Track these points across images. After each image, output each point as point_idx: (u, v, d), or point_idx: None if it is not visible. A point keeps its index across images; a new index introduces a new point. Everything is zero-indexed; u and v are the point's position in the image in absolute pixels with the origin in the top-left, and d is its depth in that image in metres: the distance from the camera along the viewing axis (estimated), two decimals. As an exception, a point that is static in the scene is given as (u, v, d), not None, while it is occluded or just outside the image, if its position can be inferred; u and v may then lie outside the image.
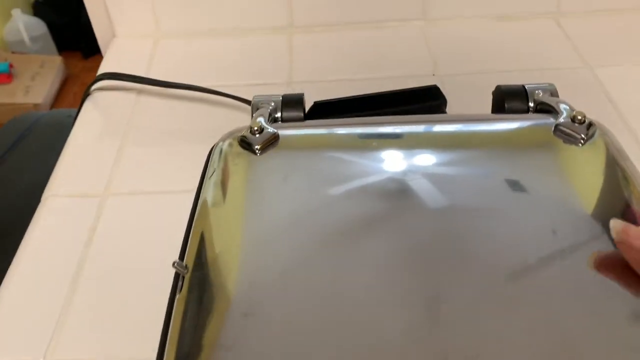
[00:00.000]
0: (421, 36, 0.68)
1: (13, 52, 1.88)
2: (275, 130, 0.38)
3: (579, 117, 0.37)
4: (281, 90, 0.62)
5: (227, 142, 0.40)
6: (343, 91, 0.62)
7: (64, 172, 0.54)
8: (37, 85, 1.77)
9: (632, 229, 0.29)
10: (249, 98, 0.61)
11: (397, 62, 0.65)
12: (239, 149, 0.38)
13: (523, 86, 0.42)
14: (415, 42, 0.67)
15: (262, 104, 0.44)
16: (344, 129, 0.40)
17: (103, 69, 0.67)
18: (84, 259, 0.46)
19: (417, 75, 0.63)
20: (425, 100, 0.50)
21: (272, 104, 0.43)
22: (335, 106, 0.48)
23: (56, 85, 1.83)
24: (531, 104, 0.42)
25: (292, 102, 0.44)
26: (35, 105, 1.72)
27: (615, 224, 0.30)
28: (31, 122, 0.92)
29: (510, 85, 0.43)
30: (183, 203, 0.50)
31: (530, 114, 0.41)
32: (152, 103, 0.61)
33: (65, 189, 0.52)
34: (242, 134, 0.39)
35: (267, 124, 0.39)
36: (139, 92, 0.63)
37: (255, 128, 0.38)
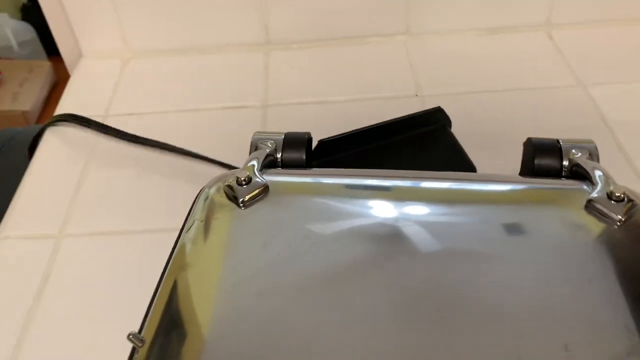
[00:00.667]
0: (404, 52, 0.64)
1: (0, 58, 1.85)
2: (265, 181, 0.34)
3: (617, 194, 0.31)
4: (256, 113, 0.58)
5: (214, 189, 0.36)
6: (322, 115, 0.59)
7: (19, 210, 0.50)
8: (25, 91, 1.74)
9: None
10: (225, 124, 0.58)
11: (379, 81, 0.61)
12: (225, 200, 0.34)
13: (557, 142, 0.37)
14: (398, 59, 0.64)
15: (261, 142, 0.40)
16: (346, 181, 0.36)
17: (68, 93, 0.63)
18: (34, 313, 0.43)
19: (400, 96, 0.59)
20: (430, 124, 0.49)
21: (271, 143, 0.40)
22: (340, 142, 0.46)
23: (45, 91, 1.80)
24: (566, 163, 0.36)
25: (294, 142, 0.40)
26: (24, 113, 1.69)
27: None
28: (8, 138, 0.88)
29: (542, 140, 0.38)
30: (148, 244, 0.47)
31: (561, 181, 0.35)
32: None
33: (19, 229, 0.49)
34: (228, 182, 0.35)
35: (258, 172, 0.35)
36: (104, 118, 0.59)
37: (243, 178, 0.34)
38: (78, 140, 0.56)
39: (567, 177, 0.36)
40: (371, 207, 0.34)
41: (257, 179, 0.34)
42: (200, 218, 0.34)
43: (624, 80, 0.59)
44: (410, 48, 0.65)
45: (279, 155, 0.39)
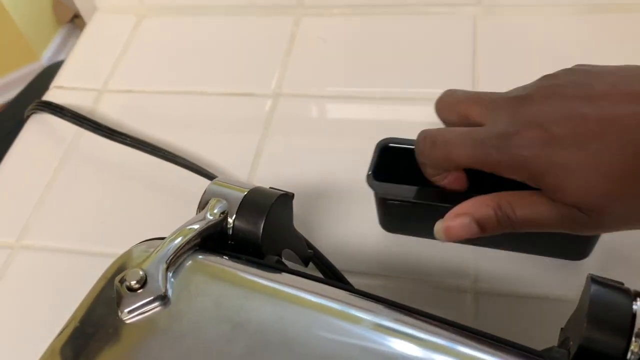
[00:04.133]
0: (469, 31, 0.49)
1: None
2: (163, 290, 0.24)
3: None
4: (263, 106, 0.47)
5: (116, 273, 0.26)
6: (345, 114, 0.47)
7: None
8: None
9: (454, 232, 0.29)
10: (225, 112, 0.48)
11: (429, 70, 0.47)
12: (113, 300, 0.25)
13: (631, 298, 0.22)
14: (461, 41, 0.49)
15: (216, 198, 0.29)
16: (300, 298, 0.25)
17: (75, 55, 0.56)
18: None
19: (448, 96, 0.45)
20: None
21: (224, 202, 0.29)
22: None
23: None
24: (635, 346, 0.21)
25: (251, 211, 0.28)
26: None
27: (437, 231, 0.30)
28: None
29: (604, 290, 0.23)
30: (99, 269, 0.40)
31: None
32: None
33: (-23, 233, 0.44)
34: (120, 277, 0.25)
35: (163, 269, 0.24)
36: (100, 94, 0.51)
37: (134, 282, 0.24)
38: (59, 131, 0.49)
39: None
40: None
41: (155, 282, 0.25)
42: (77, 318, 0.26)
43: None
44: (479, 24, 0.49)
45: (230, 224, 0.29)
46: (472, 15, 0.50)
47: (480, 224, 0.28)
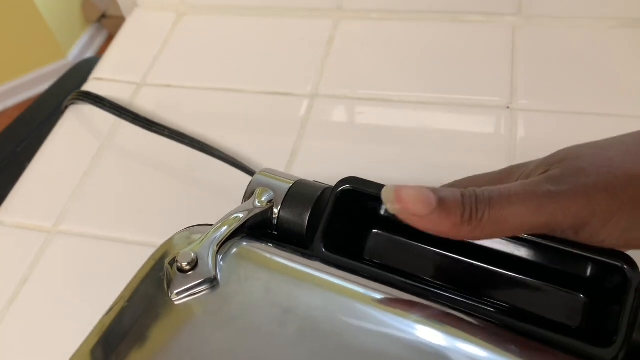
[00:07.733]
0: (508, 40, 0.49)
1: None
2: (214, 273, 0.25)
3: None
4: (300, 105, 0.48)
5: (168, 256, 0.27)
6: (380, 116, 0.47)
7: (21, 195, 0.46)
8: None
9: (405, 191, 0.23)
10: (262, 110, 0.49)
11: (468, 77, 0.48)
12: (162, 280, 0.25)
13: None
14: (499, 49, 0.49)
15: (262, 189, 0.30)
16: (346, 288, 0.25)
17: (114, 49, 0.57)
18: (15, 298, 0.39)
19: (487, 104, 0.46)
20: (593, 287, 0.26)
21: (270, 192, 0.29)
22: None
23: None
24: None
25: (297, 201, 0.29)
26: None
27: (386, 193, 0.24)
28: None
29: None
30: (133, 257, 0.41)
31: None
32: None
33: (15, 216, 0.44)
34: (171, 259, 0.26)
35: (213, 252, 0.25)
36: (139, 87, 0.52)
37: (185, 264, 0.25)
38: (97, 122, 0.50)
39: None
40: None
41: (205, 265, 0.25)
42: (125, 298, 0.26)
43: None
44: (518, 35, 0.50)
45: (275, 214, 0.29)
46: (511, 25, 0.50)
47: (440, 197, 0.23)
